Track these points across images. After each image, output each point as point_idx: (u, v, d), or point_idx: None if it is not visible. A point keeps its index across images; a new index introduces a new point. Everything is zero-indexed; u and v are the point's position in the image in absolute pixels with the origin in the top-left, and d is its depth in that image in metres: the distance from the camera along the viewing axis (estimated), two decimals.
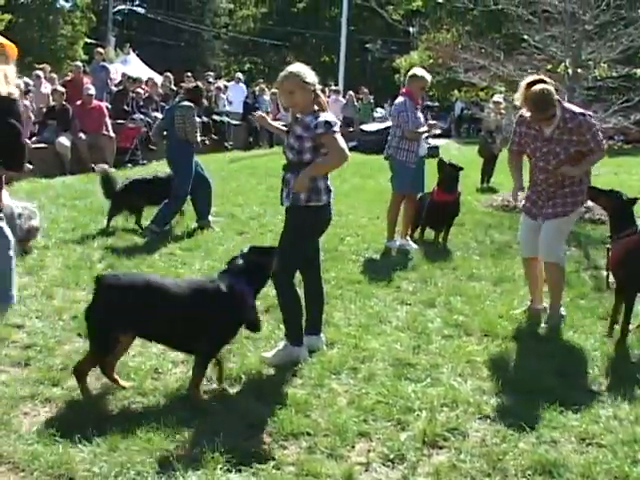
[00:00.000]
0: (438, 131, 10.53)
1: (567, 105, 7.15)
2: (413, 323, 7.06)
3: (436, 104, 39.20)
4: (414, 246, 10.28)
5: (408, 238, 10.45)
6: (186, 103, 10.84)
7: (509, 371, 6.02)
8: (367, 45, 59.92)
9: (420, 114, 10.29)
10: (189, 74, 24.61)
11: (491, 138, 17.27)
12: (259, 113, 7.62)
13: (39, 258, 8.97)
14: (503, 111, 16.76)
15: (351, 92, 29.39)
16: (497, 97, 16.97)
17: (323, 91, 29.73)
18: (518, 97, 7.10)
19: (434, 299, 7.86)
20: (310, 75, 5.86)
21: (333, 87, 32.55)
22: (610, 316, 6.90)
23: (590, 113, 7.32)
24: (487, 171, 17.35)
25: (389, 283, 8.40)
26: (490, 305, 7.69)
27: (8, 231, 5.60)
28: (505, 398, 5.47)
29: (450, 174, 10.59)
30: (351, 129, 26.48)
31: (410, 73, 10.38)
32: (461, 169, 10.77)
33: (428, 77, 10.22)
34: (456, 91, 31.56)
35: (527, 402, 5.39)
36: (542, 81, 6.96)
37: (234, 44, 63.81)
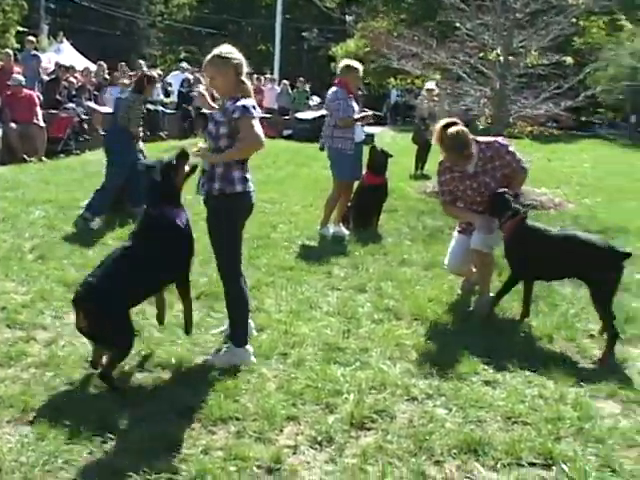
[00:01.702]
0: (370, 120, 10.53)
1: (479, 138, 7.35)
2: (343, 308, 7.11)
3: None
4: (346, 232, 10.35)
5: (341, 224, 10.49)
6: (132, 93, 10.80)
7: (437, 354, 6.08)
8: (303, 33, 59.84)
9: (354, 103, 10.33)
10: (123, 64, 24.33)
11: (424, 125, 17.37)
12: (200, 90, 7.64)
13: None
14: (436, 98, 16.90)
15: (286, 80, 29.34)
16: (430, 84, 17.07)
17: (251, 77, 29.74)
18: (435, 140, 7.37)
19: (365, 284, 7.92)
20: (234, 58, 5.69)
21: (269, 75, 32.48)
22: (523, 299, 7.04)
23: (500, 139, 7.54)
24: (421, 158, 17.44)
25: (320, 269, 8.44)
26: (420, 289, 7.77)
27: None
28: (433, 380, 5.56)
29: (379, 159, 10.76)
30: (286, 117, 26.45)
31: (343, 64, 10.40)
32: (390, 156, 10.91)
33: (361, 68, 10.29)
34: (392, 79, 31.71)
35: (455, 383, 5.50)
36: (455, 123, 7.20)
37: (170, 33, 63.19)
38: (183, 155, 5.80)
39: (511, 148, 7.27)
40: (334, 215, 10.46)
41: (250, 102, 5.55)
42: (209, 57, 5.72)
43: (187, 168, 5.82)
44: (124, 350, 5.29)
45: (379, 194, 10.73)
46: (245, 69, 5.76)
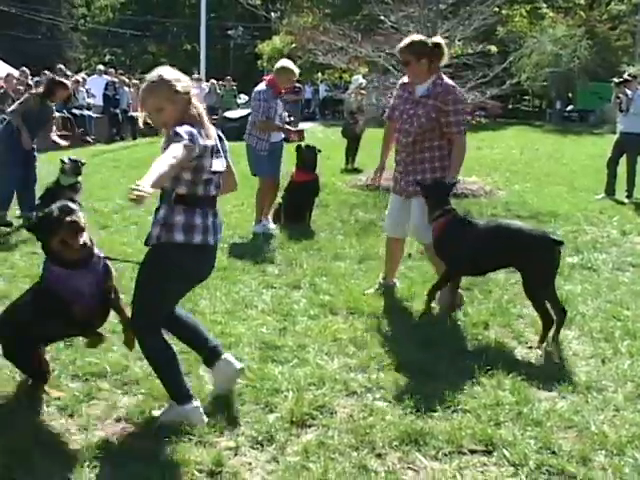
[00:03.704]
0: (296, 139, 10.58)
1: (445, 77, 7.20)
2: (279, 306, 7.09)
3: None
4: (273, 226, 10.41)
5: (269, 217, 10.53)
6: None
7: (375, 347, 6.08)
8: (229, 31, 59.58)
9: (280, 103, 10.37)
10: (46, 72, 23.92)
11: (353, 119, 17.43)
12: None
13: None
14: (364, 92, 16.95)
15: (213, 80, 29.18)
16: (357, 78, 17.14)
17: None
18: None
19: (299, 280, 7.90)
20: (182, 81, 4.65)
21: (196, 75, 32.24)
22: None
23: (458, 92, 7.28)
24: (351, 152, 17.49)
25: (254, 268, 8.40)
26: (355, 283, 7.79)
27: None
28: (371, 373, 5.55)
29: (307, 156, 10.79)
30: (215, 117, 26.31)
31: (278, 65, 10.38)
32: (319, 151, 10.93)
33: (296, 71, 10.35)
34: (319, 74, 31.77)
35: (393, 376, 5.49)
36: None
37: (93, 35, 62.50)
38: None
39: (460, 106, 7.08)
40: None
41: (185, 129, 4.43)
42: (148, 85, 4.62)
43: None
44: None
45: (310, 191, 10.75)
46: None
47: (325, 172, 14.83)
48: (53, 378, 5.28)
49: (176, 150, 4.25)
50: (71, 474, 4.14)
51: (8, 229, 10.31)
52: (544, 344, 6.18)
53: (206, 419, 4.72)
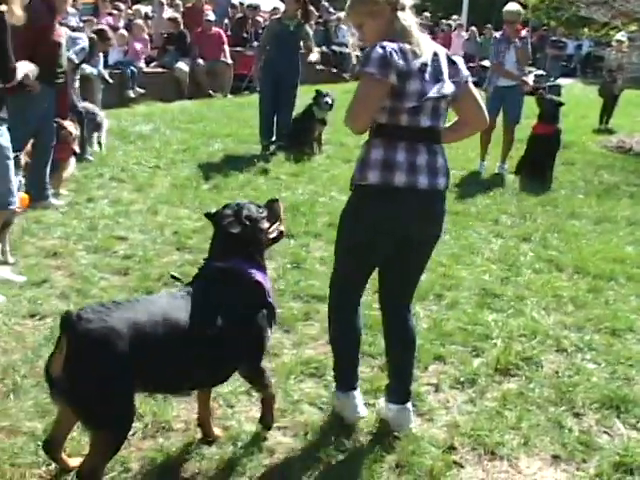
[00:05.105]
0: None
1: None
2: (505, 256, 7.08)
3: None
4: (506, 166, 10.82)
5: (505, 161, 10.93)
6: None
7: (594, 308, 5.96)
8: None
9: (512, 48, 10.40)
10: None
11: (611, 77, 16.74)
12: None
13: (149, 177, 9.27)
14: (625, 50, 16.23)
15: (474, 27, 28.76)
16: (620, 35, 16.41)
17: (439, 23, 29.24)
18: None
19: (530, 234, 7.84)
20: None
21: (456, 18, 31.87)
22: None
23: None
24: (606, 111, 16.82)
25: (488, 216, 8.42)
26: (586, 243, 7.63)
27: (6, 138, 5.61)
28: (586, 334, 5.46)
29: (549, 107, 10.60)
30: (472, 65, 26.07)
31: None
32: (561, 104, 10.74)
33: (516, 10, 10.47)
34: (585, 29, 30.56)
35: (607, 339, 5.40)
36: None
37: None
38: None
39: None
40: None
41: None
42: None
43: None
44: None
45: (549, 144, 10.48)
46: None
47: (577, 130, 14.47)
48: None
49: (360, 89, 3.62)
50: (278, 386, 4.39)
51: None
52: None
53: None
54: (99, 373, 3.05)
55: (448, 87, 3.74)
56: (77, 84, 10.01)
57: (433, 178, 3.74)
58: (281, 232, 3.95)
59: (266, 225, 3.82)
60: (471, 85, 3.89)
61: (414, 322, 4.15)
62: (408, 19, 3.73)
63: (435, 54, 3.75)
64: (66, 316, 3.05)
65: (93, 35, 10.85)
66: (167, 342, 3.25)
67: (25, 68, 5.92)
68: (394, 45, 3.58)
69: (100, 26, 12.57)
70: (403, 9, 3.74)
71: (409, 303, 4.11)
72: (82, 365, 3.04)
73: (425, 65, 3.66)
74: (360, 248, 3.84)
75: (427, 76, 3.66)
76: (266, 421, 3.94)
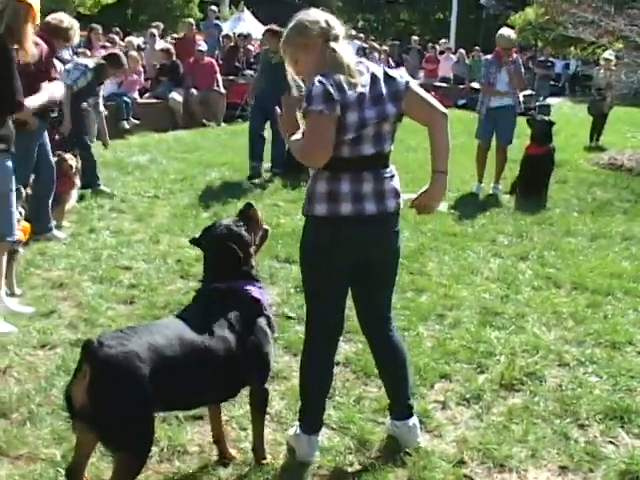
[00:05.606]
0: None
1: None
2: (504, 274, 7.19)
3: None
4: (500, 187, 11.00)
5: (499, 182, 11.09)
6: None
7: (594, 323, 6.06)
8: (481, 1, 58.85)
9: (503, 71, 10.59)
10: None
11: (600, 95, 16.93)
12: None
13: (149, 207, 9.38)
14: (613, 68, 16.41)
15: (462, 50, 29.01)
16: (607, 54, 16.62)
17: (426, 46, 29.51)
18: None
19: (528, 252, 7.95)
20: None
21: (444, 41, 32.15)
22: None
23: None
24: (596, 129, 17.01)
25: (485, 236, 8.54)
26: (583, 260, 7.74)
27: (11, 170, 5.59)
28: (586, 348, 5.57)
29: (540, 128, 10.72)
30: (462, 86, 26.28)
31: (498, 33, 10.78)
32: (552, 124, 10.86)
33: (508, 35, 10.68)
34: (572, 48, 30.83)
35: (608, 353, 5.49)
36: None
37: (349, 1, 63.60)
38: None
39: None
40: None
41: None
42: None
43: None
44: None
45: (543, 164, 10.60)
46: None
47: (568, 149, 14.63)
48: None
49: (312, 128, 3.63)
50: (289, 408, 4.47)
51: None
52: None
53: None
54: (123, 397, 3.16)
55: (389, 108, 3.72)
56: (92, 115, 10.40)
57: (380, 203, 3.76)
58: (266, 231, 4.10)
59: (249, 237, 3.92)
60: (414, 87, 3.82)
61: (399, 336, 4.21)
62: (340, 49, 3.70)
63: (373, 76, 3.73)
64: (87, 343, 3.15)
65: (103, 61, 10.31)
66: (184, 362, 3.39)
67: (34, 102, 6.03)
68: (329, 79, 3.58)
69: (113, 50, 12.61)
70: (336, 39, 3.74)
71: (389, 318, 4.13)
72: (106, 390, 3.13)
73: (362, 95, 3.65)
74: (322, 275, 3.86)
75: (366, 103, 3.66)
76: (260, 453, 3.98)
